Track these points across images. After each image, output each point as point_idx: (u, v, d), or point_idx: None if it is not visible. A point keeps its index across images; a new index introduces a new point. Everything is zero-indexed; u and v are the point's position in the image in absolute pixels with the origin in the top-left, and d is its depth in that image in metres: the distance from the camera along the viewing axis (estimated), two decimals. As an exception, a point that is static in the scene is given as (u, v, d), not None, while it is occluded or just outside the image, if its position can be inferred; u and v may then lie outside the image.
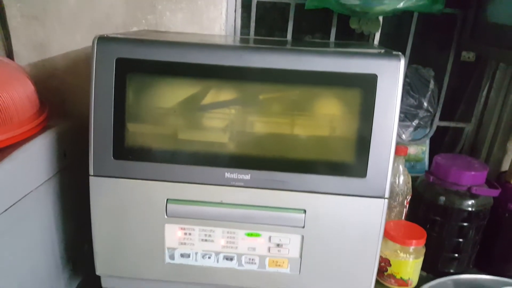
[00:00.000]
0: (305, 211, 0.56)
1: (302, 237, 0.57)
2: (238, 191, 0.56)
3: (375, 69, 0.53)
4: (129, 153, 0.55)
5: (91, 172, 0.56)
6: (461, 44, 0.78)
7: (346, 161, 0.55)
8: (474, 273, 0.75)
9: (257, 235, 0.58)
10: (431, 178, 0.74)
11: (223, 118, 0.57)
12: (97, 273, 0.61)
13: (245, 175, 0.55)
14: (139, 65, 0.54)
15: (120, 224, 0.58)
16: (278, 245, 0.58)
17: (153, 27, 0.74)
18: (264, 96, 0.56)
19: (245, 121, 0.56)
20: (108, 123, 0.55)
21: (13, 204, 0.54)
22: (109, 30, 0.73)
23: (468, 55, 0.80)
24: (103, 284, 0.63)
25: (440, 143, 0.90)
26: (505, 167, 0.82)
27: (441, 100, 0.82)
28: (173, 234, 0.59)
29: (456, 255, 0.75)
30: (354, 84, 0.54)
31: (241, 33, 0.83)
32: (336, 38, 0.83)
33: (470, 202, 0.71)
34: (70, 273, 0.70)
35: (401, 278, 0.70)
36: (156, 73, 0.55)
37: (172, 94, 0.56)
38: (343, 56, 0.54)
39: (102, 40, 0.54)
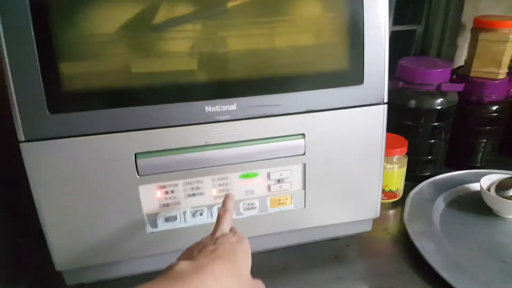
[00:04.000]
0: (304, 136, 0.48)
1: (304, 166, 0.50)
2: (224, 126, 0.45)
3: (358, -46, 0.45)
4: (69, 102, 0.41)
5: (21, 137, 0.40)
6: None
7: (341, 69, 0.47)
8: (447, 172, 0.76)
9: (254, 175, 0.49)
10: (400, 83, 0.71)
11: (186, 37, 0.44)
12: (58, 269, 0.47)
13: (230, 105, 0.45)
14: (60, -24, 0.38)
15: (76, 198, 0.44)
16: (279, 180, 0.50)
17: None
18: (233, 3, 0.44)
19: (215, 38, 0.45)
20: (31, 66, 0.39)
21: None
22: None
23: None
24: (67, 281, 0.49)
25: (394, 49, 0.88)
26: (457, 63, 0.82)
27: (392, 4, 0.78)
28: (151, 196, 0.47)
29: (430, 157, 0.75)
30: (338, -24, 0.45)
31: None
32: None
33: (439, 100, 0.70)
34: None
35: (390, 190, 0.68)
36: (86, -14, 0.40)
37: (113, 14, 0.41)
38: None
39: None
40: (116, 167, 0.44)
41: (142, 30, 0.43)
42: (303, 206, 0.52)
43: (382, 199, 0.68)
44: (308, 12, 0.46)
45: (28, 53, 0.38)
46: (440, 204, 0.67)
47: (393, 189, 0.68)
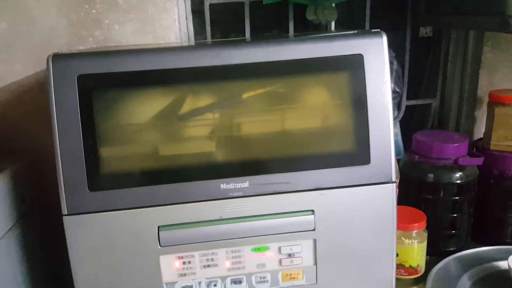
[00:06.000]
0: (313, 212, 0.52)
1: (315, 241, 0.53)
2: (238, 202, 0.50)
3: (359, 49, 0.50)
4: (106, 182, 0.48)
5: (65, 211, 0.47)
6: (418, 19, 0.80)
7: (347, 150, 0.51)
8: (474, 247, 0.75)
9: (265, 248, 0.52)
10: (416, 157, 0.73)
11: (207, 124, 0.51)
12: (86, 330, 0.52)
13: (243, 183, 0.50)
14: (105, 80, 0.47)
15: (106, 265, 0.49)
16: (289, 255, 0.53)
17: (101, 44, 0.67)
18: (247, 94, 0.51)
19: (231, 124, 0.51)
20: (77, 151, 0.47)
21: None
22: (53, 53, 0.64)
23: (425, 30, 0.82)
24: None
25: (409, 122, 0.91)
26: (476, 135, 0.83)
27: (406, 80, 0.83)
28: (170, 265, 0.51)
29: (454, 231, 0.74)
30: (341, 68, 0.51)
31: (196, 39, 0.78)
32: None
33: (458, 174, 0.71)
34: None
35: (410, 266, 0.68)
36: (125, 86, 0.48)
37: (146, 107, 0.49)
38: (325, 40, 0.51)
39: (58, 57, 0.46)
40: (141, 238, 0.49)
41: (170, 120, 0.50)
42: (315, 281, 0.54)
43: (402, 275, 0.68)
44: (314, 100, 0.52)
45: (75, 141, 0.46)
46: (465, 282, 0.66)
47: (414, 265, 0.68)
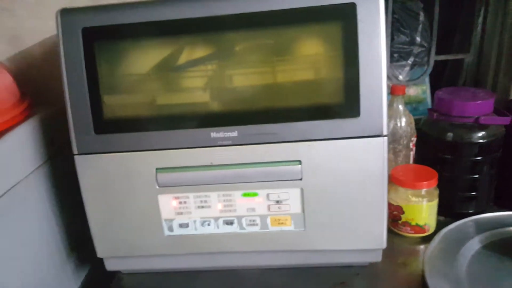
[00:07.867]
0: (300, 162, 0.53)
1: (302, 190, 0.54)
2: (227, 150, 0.53)
3: (352, -3, 0.49)
4: (109, 126, 0.53)
5: (75, 151, 0.54)
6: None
7: (336, 102, 0.51)
8: (495, 211, 0.71)
9: (254, 194, 0.55)
10: (435, 115, 0.70)
11: (201, 76, 0.54)
12: (98, 255, 0.60)
13: (232, 133, 0.53)
14: (106, 32, 0.51)
15: (112, 201, 0.56)
16: (277, 202, 0.55)
17: (122, 1, 0.71)
18: (240, 46, 0.53)
19: (224, 75, 0.53)
20: (83, 98, 0.52)
21: (3, 195, 0.53)
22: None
23: (456, -23, 0.75)
24: (107, 267, 0.62)
25: (440, 79, 0.85)
26: (514, 94, 0.77)
27: (435, 33, 0.77)
28: (168, 204, 0.56)
29: (473, 193, 0.71)
30: (332, 17, 0.50)
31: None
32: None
33: (479, 134, 0.67)
34: (76, 261, 0.68)
35: (416, 224, 0.67)
36: (124, 38, 0.52)
37: (144, 58, 0.53)
38: (317, -11, 0.50)
39: (65, 12, 0.51)
40: (141, 178, 0.55)
41: (166, 70, 0.53)
42: (303, 228, 0.56)
43: (408, 233, 0.68)
44: (305, 51, 0.52)
45: (81, 89, 0.52)
46: (474, 244, 0.63)
47: (421, 223, 0.67)
